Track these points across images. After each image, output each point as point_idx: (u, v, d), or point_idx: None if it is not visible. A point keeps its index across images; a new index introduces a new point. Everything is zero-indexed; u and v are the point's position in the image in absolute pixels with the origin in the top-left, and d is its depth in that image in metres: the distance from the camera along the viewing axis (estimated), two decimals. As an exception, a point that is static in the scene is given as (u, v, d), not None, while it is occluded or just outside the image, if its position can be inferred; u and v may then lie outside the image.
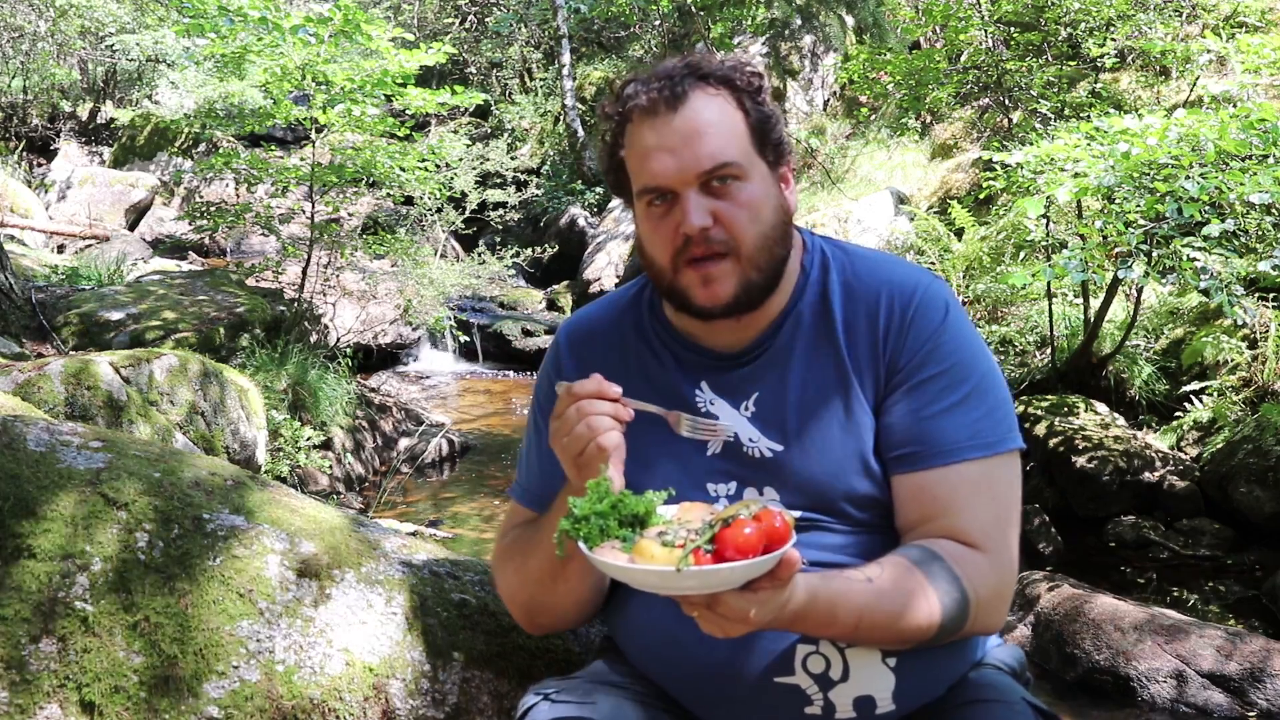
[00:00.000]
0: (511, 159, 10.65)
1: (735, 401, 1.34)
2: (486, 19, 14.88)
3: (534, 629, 1.45)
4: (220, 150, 7.61)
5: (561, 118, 12.66)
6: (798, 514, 1.28)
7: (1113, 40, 5.72)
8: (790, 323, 1.34)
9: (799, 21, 11.59)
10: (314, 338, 6.34)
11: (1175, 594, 3.96)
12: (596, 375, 1.19)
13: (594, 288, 9.68)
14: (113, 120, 13.91)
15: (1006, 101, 6.08)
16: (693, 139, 1.23)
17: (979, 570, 1.23)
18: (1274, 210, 3.94)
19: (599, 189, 11.83)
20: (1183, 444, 4.85)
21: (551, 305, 10.09)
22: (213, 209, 6.38)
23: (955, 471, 1.26)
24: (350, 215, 8.17)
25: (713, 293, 1.27)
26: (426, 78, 11.20)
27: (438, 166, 6.79)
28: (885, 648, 1.23)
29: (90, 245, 9.71)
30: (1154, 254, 3.92)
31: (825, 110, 11.27)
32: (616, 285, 9.47)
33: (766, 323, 1.35)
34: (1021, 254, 6.34)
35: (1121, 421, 4.97)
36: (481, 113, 13.65)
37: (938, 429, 1.27)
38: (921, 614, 1.18)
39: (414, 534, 3.37)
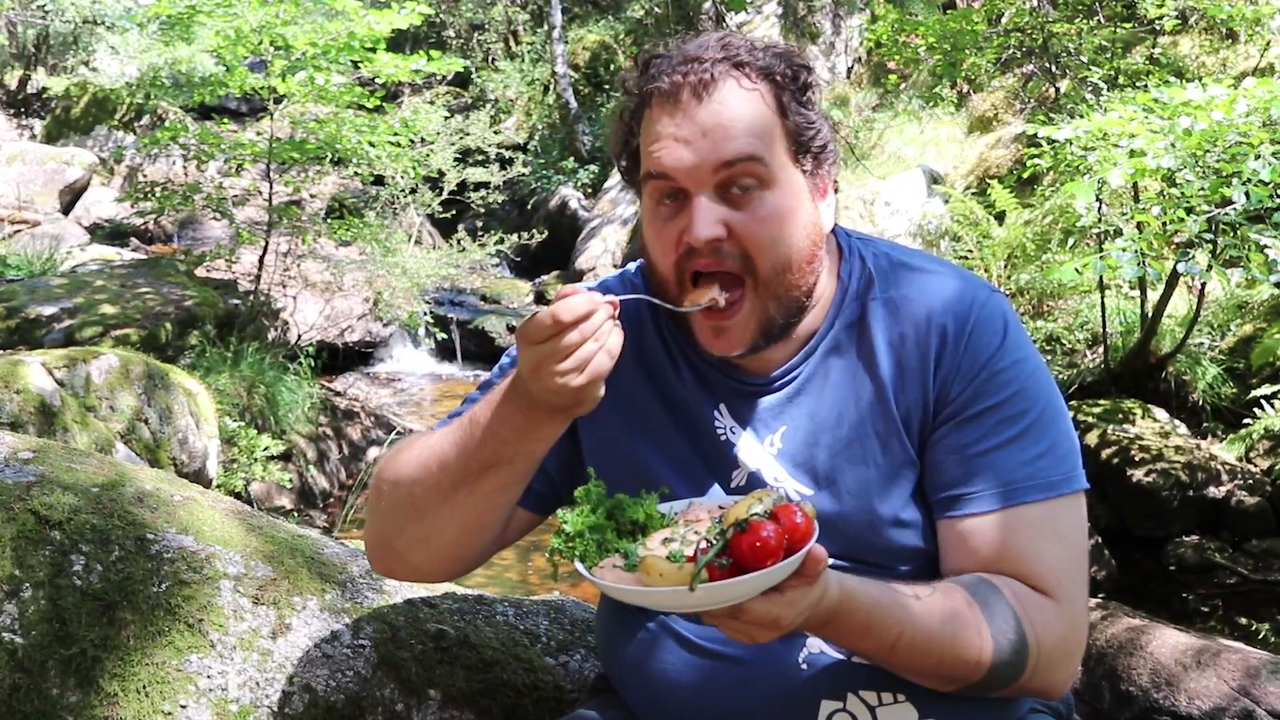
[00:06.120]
0: (495, 133, 10.64)
1: (759, 434, 1.32)
2: (467, -25, 14.89)
3: (385, 563, 1.37)
4: (166, 123, 7.62)
5: (551, 87, 12.67)
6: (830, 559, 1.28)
7: None
8: (825, 346, 1.31)
9: (820, -22, 11.58)
10: (272, 335, 6.34)
11: (1243, 624, 3.96)
12: (584, 294, 1.12)
13: (588, 278, 9.68)
14: (45, 90, 13.90)
15: (1053, 68, 6.08)
16: (714, 132, 1.19)
17: (1045, 616, 1.21)
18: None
19: (593, 167, 11.83)
20: (1252, 455, 4.85)
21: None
22: (158, 189, 6.38)
23: (1014, 515, 1.24)
24: (313, 197, 8.17)
25: (726, 343, 1.26)
26: (399, 42, 11.20)
27: (412, 142, 6.79)
28: (924, 681, 1.22)
29: (19, 230, 9.71)
30: (1219, 243, 3.92)
31: (849, 78, 11.27)
32: (613, 276, 9.46)
33: (797, 345, 1.32)
34: (1070, 241, 6.34)
35: (1183, 429, 4.97)
36: (461, 81, 13.65)
37: (993, 467, 1.25)
38: (971, 647, 1.17)
39: (385, 556, 3.36)
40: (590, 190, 11.56)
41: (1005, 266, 6.66)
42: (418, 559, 1.34)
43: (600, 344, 1.11)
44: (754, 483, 1.30)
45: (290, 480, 5.15)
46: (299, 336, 6.73)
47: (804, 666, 1.25)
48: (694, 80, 1.20)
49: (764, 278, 1.23)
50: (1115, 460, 4.67)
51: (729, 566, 0.99)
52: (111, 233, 10.27)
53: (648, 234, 1.28)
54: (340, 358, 7.76)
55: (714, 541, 1.01)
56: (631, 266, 1.44)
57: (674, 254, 1.24)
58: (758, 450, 1.31)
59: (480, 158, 10.36)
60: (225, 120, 8.14)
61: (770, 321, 1.25)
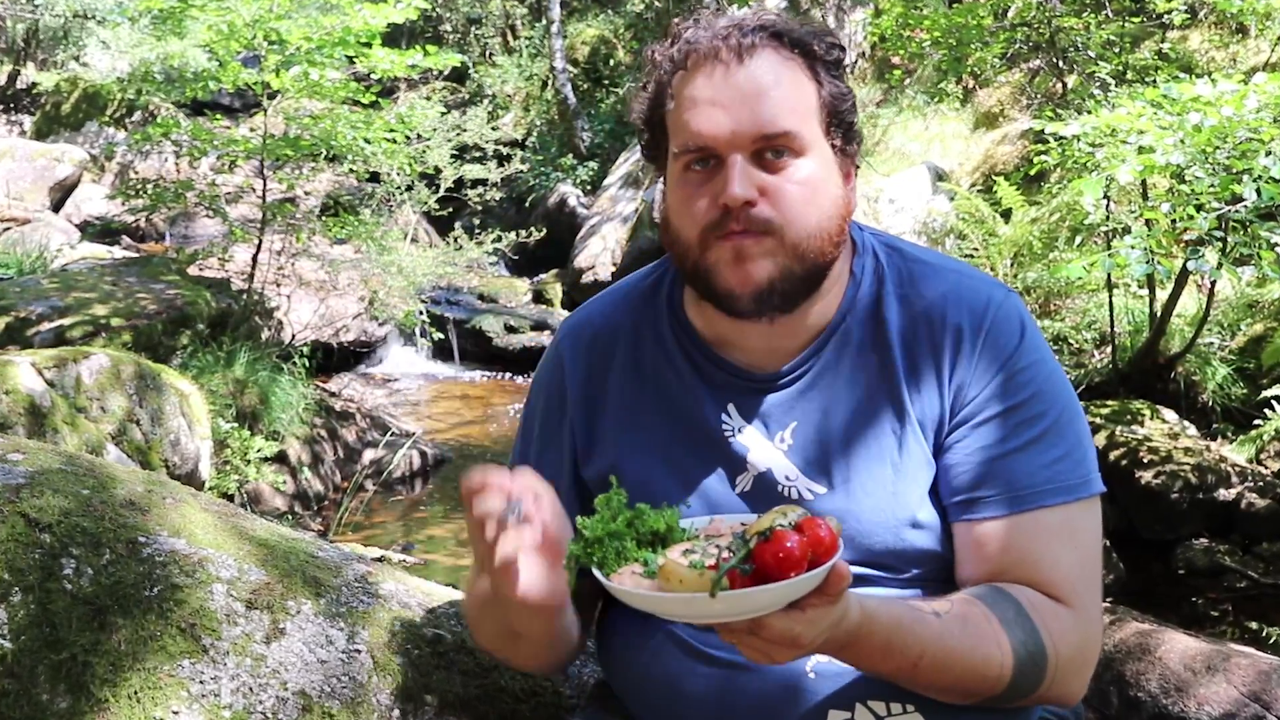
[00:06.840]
0: (493, 129, 10.66)
1: (769, 431, 1.30)
2: (464, -31, 14.89)
3: (507, 664, 1.52)
4: (158, 119, 7.60)
5: (550, 82, 12.67)
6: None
7: (1183, -8, 5.72)
8: (837, 339, 1.30)
9: (822, -29, 11.58)
10: (266, 335, 6.34)
11: (1254, 628, 3.96)
12: (483, 475, 1.11)
13: (587, 277, 9.67)
14: (35, 85, 13.91)
15: (1060, 63, 6.08)
16: (754, 99, 1.21)
17: (1061, 625, 1.22)
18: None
19: (592, 164, 11.83)
20: (1263, 456, 4.85)
21: (538, 297, 10.09)
22: (150, 186, 6.38)
23: (1032, 519, 1.24)
24: (307, 194, 8.18)
25: (745, 273, 1.22)
26: (395, 36, 11.20)
27: (408, 138, 6.79)
28: (945, 697, 1.21)
29: (8, 228, 9.71)
30: (1229, 240, 3.92)
31: (853, 73, 11.26)
32: (613, 276, 9.49)
33: (808, 336, 1.30)
34: (1078, 239, 6.34)
35: (1192, 431, 4.97)
36: (458, 76, 13.65)
37: (1011, 470, 1.25)
38: (992, 661, 1.17)
39: (380, 559, 3.37)
40: (589, 187, 11.55)
41: (1012, 264, 6.66)
42: (529, 668, 1.51)
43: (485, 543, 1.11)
44: (760, 484, 1.29)
45: (284, 482, 5.15)
46: (293, 336, 6.73)
47: (812, 675, 1.24)
48: (734, 43, 1.22)
49: (793, 238, 1.22)
50: (1123, 462, 4.67)
51: (751, 575, 0.98)
52: (102, 230, 10.26)
53: (674, 201, 1.27)
54: (335, 358, 7.76)
55: (736, 550, 1.00)
56: (645, 283, 1.42)
57: (705, 219, 1.23)
58: (768, 447, 1.30)
59: (477, 154, 10.36)
60: (218, 116, 8.13)
61: (790, 275, 1.23)
